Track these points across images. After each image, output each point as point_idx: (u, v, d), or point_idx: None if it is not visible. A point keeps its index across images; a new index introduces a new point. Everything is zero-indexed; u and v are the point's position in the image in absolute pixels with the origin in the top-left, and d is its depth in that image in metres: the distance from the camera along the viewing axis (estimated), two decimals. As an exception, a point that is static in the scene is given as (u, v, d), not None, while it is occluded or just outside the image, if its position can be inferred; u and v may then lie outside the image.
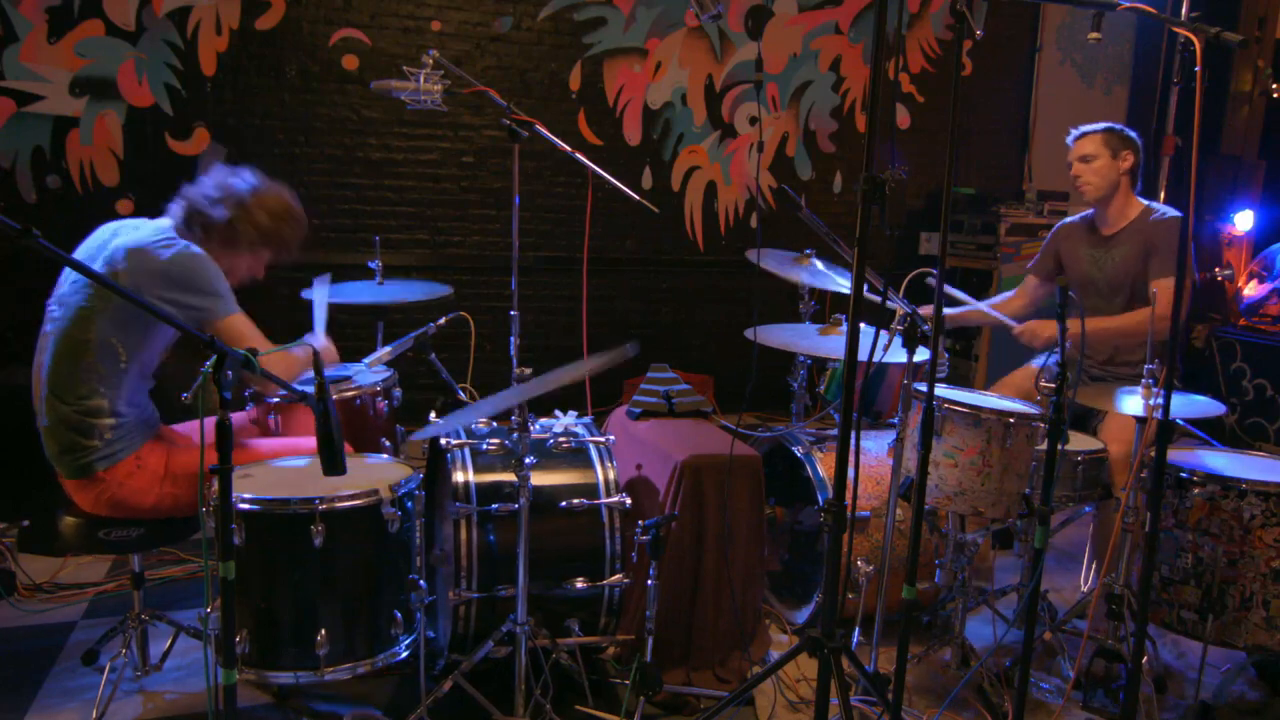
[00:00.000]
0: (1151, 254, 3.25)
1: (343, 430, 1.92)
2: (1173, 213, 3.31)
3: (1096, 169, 3.34)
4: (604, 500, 2.57)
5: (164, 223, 2.51)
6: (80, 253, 2.49)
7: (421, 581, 2.36)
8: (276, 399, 2.86)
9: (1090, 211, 3.52)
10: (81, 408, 2.38)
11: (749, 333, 2.96)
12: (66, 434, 2.39)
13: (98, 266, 2.37)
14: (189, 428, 2.72)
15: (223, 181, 2.54)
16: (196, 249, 2.42)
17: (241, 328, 2.43)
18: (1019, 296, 3.70)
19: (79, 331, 2.38)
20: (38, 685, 2.63)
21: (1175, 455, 2.73)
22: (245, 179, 2.57)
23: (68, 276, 2.47)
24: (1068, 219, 3.63)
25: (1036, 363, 3.50)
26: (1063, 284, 2.29)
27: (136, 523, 2.48)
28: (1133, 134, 3.37)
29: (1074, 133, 3.43)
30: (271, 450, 2.58)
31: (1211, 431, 3.21)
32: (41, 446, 2.46)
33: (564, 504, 2.54)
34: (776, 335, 3.25)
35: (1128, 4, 2.15)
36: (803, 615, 3.07)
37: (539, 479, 2.51)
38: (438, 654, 2.64)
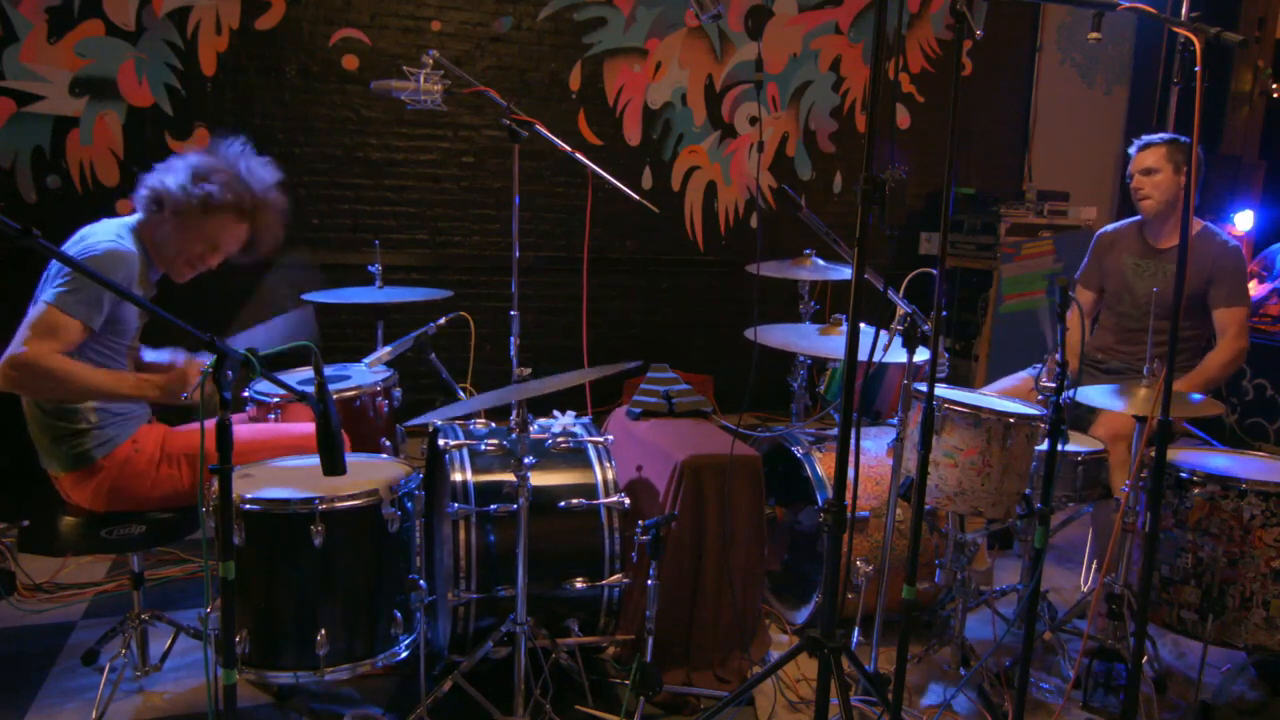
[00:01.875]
0: (1215, 282, 3.23)
1: (342, 430, 1.93)
2: (1232, 241, 3.31)
3: (1158, 183, 3.32)
4: (602, 500, 2.57)
5: (126, 220, 2.52)
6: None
7: (421, 581, 2.36)
8: (276, 399, 2.86)
9: (1136, 218, 3.50)
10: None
11: (749, 332, 2.96)
12: (52, 423, 2.41)
13: (56, 266, 2.39)
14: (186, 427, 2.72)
15: (188, 164, 2.53)
16: (104, 248, 2.36)
17: (49, 319, 2.25)
18: (1074, 313, 3.59)
19: None
20: (38, 685, 2.63)
21: (1175, 455, 2.73)
22: (198, 160, 2.54)
23: (45, 274, 2.47)
24: (1111, 225, 3.62)
25: (1031, 371, 3.49)
26: (1063, 284, 2.28)
27: (139, 519, 2.48)
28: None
29: (1137, 144, 3.41)
30: (245, 438, 2.57)
31: (1211, 431, 3.20)
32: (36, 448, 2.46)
33: (563, 504, 2.54)
34: (776, 335, 3.25)
35: (1128, 4, 2.15)
36: (803, 615, 3.07)
37: (537, 479, 2.51)
38: (437, 654, 2.63)
